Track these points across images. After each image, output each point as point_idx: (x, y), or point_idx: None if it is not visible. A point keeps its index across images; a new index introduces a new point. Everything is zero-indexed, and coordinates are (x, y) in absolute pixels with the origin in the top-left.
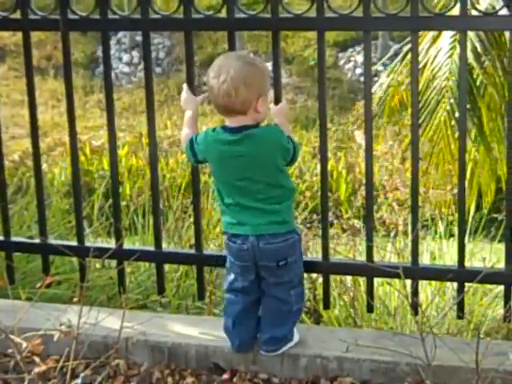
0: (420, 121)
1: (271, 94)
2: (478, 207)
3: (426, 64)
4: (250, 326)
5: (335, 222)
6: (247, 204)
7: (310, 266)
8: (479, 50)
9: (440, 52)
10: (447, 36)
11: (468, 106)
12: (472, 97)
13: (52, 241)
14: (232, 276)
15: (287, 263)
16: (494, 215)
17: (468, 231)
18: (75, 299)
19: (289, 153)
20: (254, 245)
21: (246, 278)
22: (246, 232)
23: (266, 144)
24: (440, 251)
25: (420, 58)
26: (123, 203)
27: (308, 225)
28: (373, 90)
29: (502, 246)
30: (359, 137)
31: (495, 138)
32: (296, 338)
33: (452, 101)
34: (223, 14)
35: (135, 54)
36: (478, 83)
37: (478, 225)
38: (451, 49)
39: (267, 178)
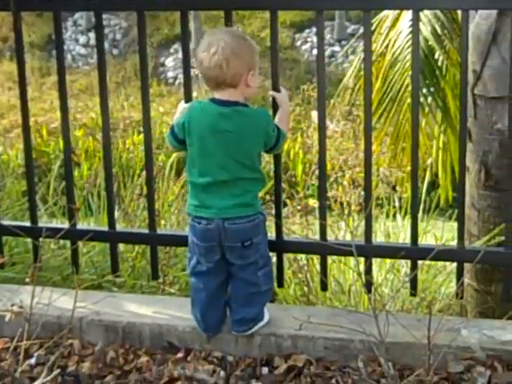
0: (384, 104)
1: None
2: (434, 186)
3: (387, 47)
4: (217, 312)
5: (289, 201)
6: (219, 184)
7: None
8: (439, 31)
9: (400, 35)
10: (407, 19)
11: (432, 89)
12: (435, 79)
13: (5, 221)
14: (194, 259)
15: (252, 243)
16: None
17: (422, 209)
18: (28, 279)
19: (271, 139)
20: (220, 225)
21: (210, 259)
22: (211, 215)
23: (253, 124)
24: (394, 229)
25: (381, 41)
26: (80, 183)
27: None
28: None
29: (455, 224)
30: (315, 117)
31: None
32: (266, 317)
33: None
34: None
35: (92, 35)
36: (442, 66)
37: (432, 203)
38: (411, 32)
39: (247, 160)
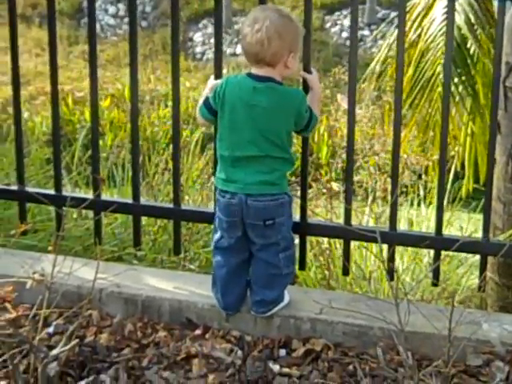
0: (415, 92)
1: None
2: (458, 177)
3: (420, 35)
4: (237, 290)
5: (314, 184)
6: (245, 159)
7: None
8: (472, 20)
9: (434, 23)
10: (440, 7)
11: (463, 78)
12: (466, 68)
13: (29, 188)
14: (218, 234)
15: (274, 223)
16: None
17: (446, 200)
18: (50, 248)
19: (303, 120)
20: (242, 201)
21: (232, 234)
22: (235, 190)
23: (285, 102)
24: (418, 218)
25: (414, 30)
26: (103, 155)
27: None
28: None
29: (480, 216)
30: (342, 100)
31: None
32: (286, 299)
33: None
34: None
35: (121, 6)
36: (473, 55)
37: (457, 194)
38: (444, 20)
39: (276, 137)
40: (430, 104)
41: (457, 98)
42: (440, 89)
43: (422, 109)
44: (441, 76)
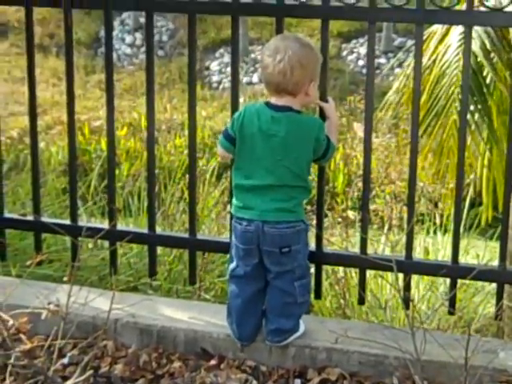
0: (429, 119)
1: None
2: (474, 204)
3: (435, 61)
4: (253, 320)
5: (330, 213)
6: (264, 188)
7: None
8: (488, 47)
9: (449, 49)
10: (456, 33)
11: (479, 106)
12: (482, 96)
13: (45, 219)
14: (234, 262)
15: (291, 251)
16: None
17: (463, 227)
18: (65, 278)
19: (321, 148)
20: (259, 228)
21: (249, 262)
22: (252, 216)
23: (304, 131)
24: (434, 246)
25: (429, 56)
26: (119, 184)
27: None
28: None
29: (496, 244)
30: (358, 129)
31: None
32: (302, 328)
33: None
34: None
35: (138, 35)
36: (489, 84)
37: (473, 222)
38: (460, 46)
39: (293, 166)
40: (444, 131)
41: (472, 127)
42: (455, 116)
43: (436, 135)
44: (456, 103)
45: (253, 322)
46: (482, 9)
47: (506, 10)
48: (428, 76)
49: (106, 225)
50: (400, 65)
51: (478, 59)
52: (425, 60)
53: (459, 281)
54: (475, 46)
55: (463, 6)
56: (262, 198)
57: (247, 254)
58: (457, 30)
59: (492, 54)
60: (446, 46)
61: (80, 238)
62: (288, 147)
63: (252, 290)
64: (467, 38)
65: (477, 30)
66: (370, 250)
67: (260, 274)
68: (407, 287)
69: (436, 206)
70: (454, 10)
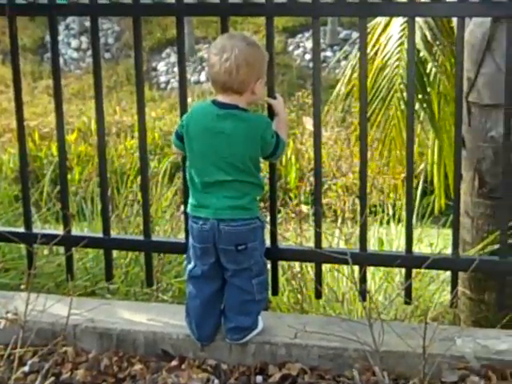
0: (372, 108)
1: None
2: (426, 193)
3: (377, 52)
4: (212, 320)
5: (283, 208)
6: (214, 184)
7: None
8: (429, 38)
9: (390, 40)
10: (397, 24)
11: (420, 96)
12: (423, 87)
13: None
14: (192, 263)
15: (247, 248)
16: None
17: (415, 217)
18: (22, 286)
19: (269, 146)
20: (214, 226)
21: (205, 261)
22: (207, 215)
23: (249, 128)
24: (388, 237)
25: (371, 46)
26: (72, 189)
27: None
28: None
29: (449, 232)
30: (308, 123)
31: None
32: (260, 325)
33: (403, 89)
34: None
35: (84, 39)
36: (430, 72)
37: (425, 210)
38: (401, 37)
39: (241, 163)
40: (387, 121)
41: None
42: (397, 106)
43: (379, 125)
44: (398, 94)
45: (212, 322)
46: (423, 0)
47: (448, 0)
48: (371, 66)
49: (60, 231)
50: (346, 57)
51: (421, 52)
52: (368, 51)
53: (414, 270)
54: (416, 38)
55: None
56: (215, 195)
57: (204, 253)
58: (398, 22)
59: (432, 44)
60: (388, 37)
61: (35, 246)
62: (233, 144)
63: (210, 289)
64: (410, 29)
65: (417, 21)
66: (324, 244)
67: (217, 273)
68: (363, 279)
69: (388, 196)
70: (395, 2)
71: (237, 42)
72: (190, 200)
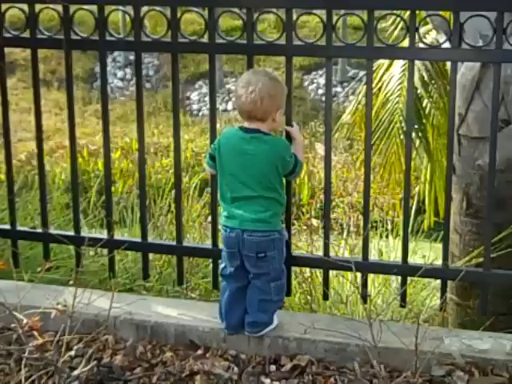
0: (375, 138)
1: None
2: (420, 211)
3: (380, 88)
4: (238, 312)
5: (296, 221)
6: (242, 199)
7: None
8: (426, 78)
9: (392, 78)
10: (399, 65)
11: (416, 127)
12: (420, 121)
13: (52, 231)
14: (223, 263)
15: (266, 256)
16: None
17: (410, 232)
18: (71, 282)
19: (288, 165)
20: (239, 235)
21: (232, 264)
22: (234, 225)
23: (270, 150)
24: (387, 248)
25: (376, 83)
26: (115, 200)
27: None
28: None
29: (439, 246)
30: (319, 148)
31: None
32: (275, 322)
33: (403, 122)
34: (205, 39)
35: (128, 70)
36: (425, 107)
37: (419, 226)
38: (402, 76)
39: (264, 179)
40: (388, 149)
41: (417, 145)
42: (397, 137)
43: (381, 152)
44: (397, 125)
45: (237, 315)
46: (422, 45)
47: (443, 46)
48: (375, 100)
49: (104, 235)
50: (353, 92)
51: (418, 90)
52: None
53: (409, 278)
54: (415, 78)
55: (406, 43)
56: (242, 208)
57: (231, 256)
58: (399, 63)
59: (429, 87)
60: (390, 76)
61: (83, 247)
62: (258, 163)
63: (236, 286)
64: (410, 70)
65: (416, 64)
66: (331, 253)
67: (243, 274)
68: (364, 284)
69: (387, 213)
70: (398, 47)
71: (261, 76)
72: (222, 211)
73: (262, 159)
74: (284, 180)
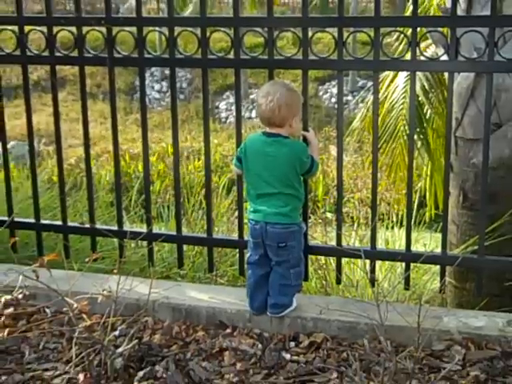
0: (382, 141)
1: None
2: (422, 205)
3: (386, 97)
4: (261, 296)
5: (312, 215)
6: (265, 195)
7: None
8: (426, 87)
9: (397, 88)
10: (402, 76)
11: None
12: (422, 125)
13: (98, 226)
14: (250, 251)
15: (286, 246)
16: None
17: (413, 223)
18: (115, 271)
19: (305, 165)
20: (263, 226)
21: (257, 252)
22: (258, 218)
23: (289, 151)
24: (392, 238)
25: (382, 92)
26: (153, 198)
27: None
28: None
29: (439, 235)
30: (333, 150)
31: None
32: (294, 304)
33: (406, 126)
34: (231, 55)
35: (164, 83)
36: (426, 113)
37: (421, 218)
38: (405, 86)
39: (284, 178)
40: (394, 151)
41: (419, 145)
42: (401, 140)
43: (387, 154)
44: (402, 129)
45: (261, 298)
46: (423, 58)
47: (441, 59)
48: (381, 108)
49: (144, 229)
50: (362, 101)
51: (419, 97)
52: (379, 97)
53: (412, 264)
54: (417, 87)
55: (408, 56)
56: (265, 204)
57: (256, 246)
58: (402, 74)
59: (430, 95)
60: (395, 86)
61: (125, 240)
62: (279, 164)
63: (260, 273)
64: (412, 80)
65: (418, 74)
66: (343, 243)
67: (266, 262)
68: (373, 270)
69: (393, 207)
70: (401, 60)
71: (279, 87)
72: (249, 206)
73: (282, 160)
74: (302, 178)
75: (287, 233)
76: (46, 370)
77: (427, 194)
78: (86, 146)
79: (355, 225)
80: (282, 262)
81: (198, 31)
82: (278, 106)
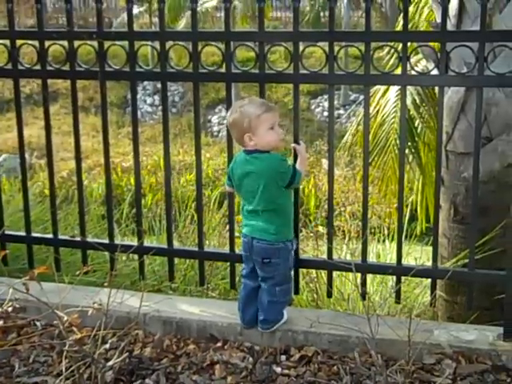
0: (373, 154)
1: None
2: (413, 218)
3: (378, 111)
4: (252, 308)
5: (304, 229)
6: (252, 211)
7: None
8: (417, 101)
9: (388, 102)
10: (393, 90)
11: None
12: (412, 137)
13: (89, 239)
14: (243, 265)
15: (271, 262)
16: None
17: (404, 237)
18: (106, 284)
19: (285, 176)
20: (250, 241)
21: (248, 265)
22: (246, 232)
23: (266, 166)
24: (383, 251)
25: (374, 107)
26: (145, 211)
27: None
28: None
29: (430, 249)
30: (324, 164)
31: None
32: (285, 317)
33: (397, 140)
34: (223, 69)
35: (156, 97)
36: (417, 127)
37: (412, 232)
38: (397, 100)
39: (267, 193)
40: (385, 165)
41: (410, 159)
42: (392, 154)
43: (378, 167)
44: (393, 142)
45: (252, 311)
46: (414, 73)
47: (432, 73)
48: (373, 122)
49: (135, 242)
50: (354, 114)
51: (410, 111)
52: (370, 110)
53: (403, 277)
54: (408, 101)
55: (399, 71)
56: (254, 219)
57: (246, 259)
58: (394, 89)
59: (421, 108)
60: (386, 100)
61: (116, 253)
62: (259, 179)
63: (250, 286)
64: (403, 94)
65: (408, 88)
66: (335, 256)
67: (256, 276)
68: (364, 283)
69: (384, 221)
70: (392, 74)
71: (234, 107)
72: (242, 221)
73: (262, 175)
74: (289, 191)
75: (272, 249)
76: (36, 383)
77: (418, 207)
78: (78, 159)
79: (346, 238)
80: (267, 279)
81: (190, 45)
82: (230, 126)
